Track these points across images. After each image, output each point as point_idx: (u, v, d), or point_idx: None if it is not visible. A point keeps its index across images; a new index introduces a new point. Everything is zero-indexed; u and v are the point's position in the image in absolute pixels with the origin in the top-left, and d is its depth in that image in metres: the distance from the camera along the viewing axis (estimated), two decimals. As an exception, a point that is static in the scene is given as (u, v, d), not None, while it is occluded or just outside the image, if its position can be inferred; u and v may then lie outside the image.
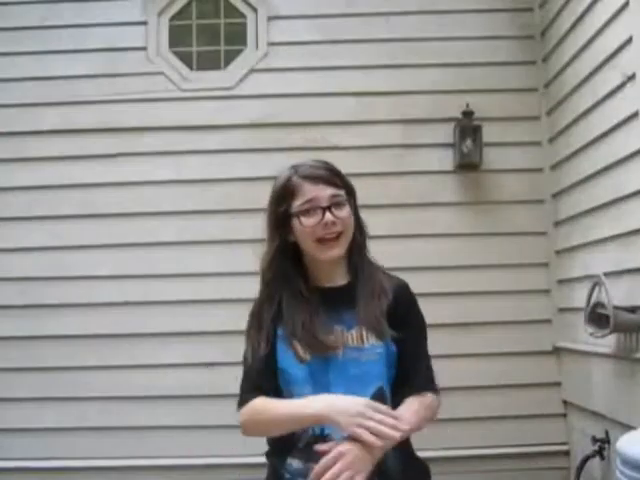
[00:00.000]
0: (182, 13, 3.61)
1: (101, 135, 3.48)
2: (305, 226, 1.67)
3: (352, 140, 3.40)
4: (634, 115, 2.48)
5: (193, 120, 3.48)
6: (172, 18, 3.60)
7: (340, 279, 1.75)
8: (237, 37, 3.59)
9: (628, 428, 2.33)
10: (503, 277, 3.38)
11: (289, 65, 3.53)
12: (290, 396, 1.67)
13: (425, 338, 1.78)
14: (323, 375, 1.64)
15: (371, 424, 1.48)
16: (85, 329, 3.38)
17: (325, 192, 1.68)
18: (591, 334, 2.68)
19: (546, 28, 3.43)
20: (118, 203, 3.45)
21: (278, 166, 3.51)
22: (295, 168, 1.76)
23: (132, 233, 3.42)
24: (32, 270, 3.42)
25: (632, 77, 2.49)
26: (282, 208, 1.72)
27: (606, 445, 2.78)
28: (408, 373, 1.71)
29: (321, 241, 1.68)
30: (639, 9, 2.44)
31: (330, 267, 1.74)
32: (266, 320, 1.72)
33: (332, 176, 1.72)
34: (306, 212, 1.68)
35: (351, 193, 1.75)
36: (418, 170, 3.45)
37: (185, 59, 3.58)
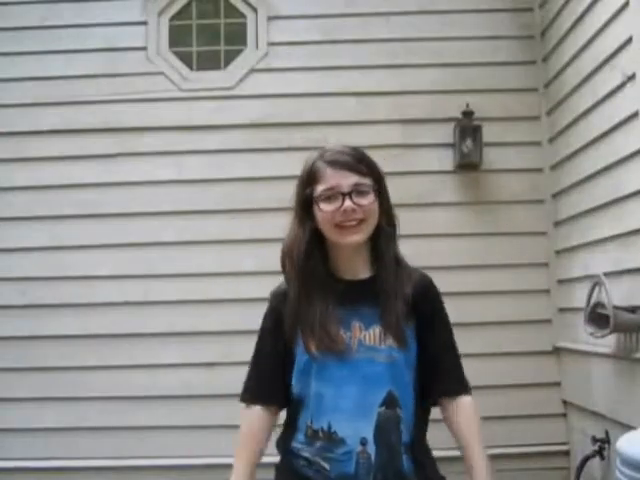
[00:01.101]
0: (182, 13, 3.61)
1: (101, 135, 3.48)
2: (324, 212, 1.63)
3: (352, 140, 3.33)
4: (634, 115, 2.48)
5: (193, 120, 3.49)
6: (172, 18, 3.60)
7: (362, 272, 1.70)
8: (237, 37, 3.60)
9: (628, 428, 2.32)
10: (503, 277, 3.38)
11: (289, 65, 3.53)
12: (301, 390, 1.65)
13: (452, 334, 1.75)
14: (337, 370, 1.61)
15: None
16: (85, 329, 3.38)
17: (347, 180, 1.64)
18: (591, 334, 2.68)
19: (546, 28, 3.43)
20: (118, 203, 3.45)
21: (278, 166, 3.53)
22: (322, 152, 1.70)
23: (132, 233, 3.42)
24: (32, 270, 3.42)
25: (632, 77, 2.49)
26: (307, 191, 1.67)
27: (606, 445, 2.78)
28: (438, 373, 1.68)
29: (340, 227, 1.63)
30: (639, 9, 2.44)
31: (352, 256, 1.69)
32: (286, 314, 1.68)
33: (357, 163, 1.66)
34: (327, 199, 1.63)
35: (379, 181, 1.69)
36: (418, 170, 3.45)
37: (185, 59, 3.58)
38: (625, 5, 2.53)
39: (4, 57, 3.53)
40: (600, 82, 2.79)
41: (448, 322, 1.75)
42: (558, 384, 3.36)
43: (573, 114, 3.10)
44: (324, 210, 1.63)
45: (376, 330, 1.63)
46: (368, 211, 1.64)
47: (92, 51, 3.54)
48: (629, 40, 2.50)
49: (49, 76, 3.51)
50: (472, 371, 3.36)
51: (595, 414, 2.92)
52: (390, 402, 1.60)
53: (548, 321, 3.40)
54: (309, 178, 1.67)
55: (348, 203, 1.62)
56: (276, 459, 1.76)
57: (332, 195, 1.63)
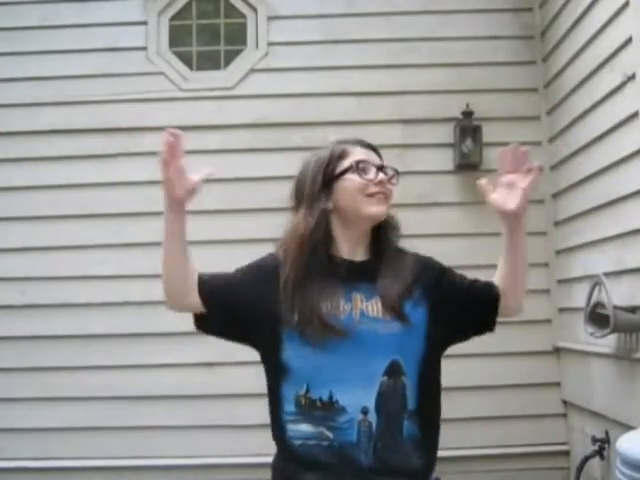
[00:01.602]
0: (182, 13, 3.61)
1: (101, 135, 3.48)
2: (358, 181, 1.66)
3: (352, 140, 3.39)
4: (634, 115, 2.48)
5: (193, 120, 3.48)
6: (172, 18, 3.60)
7: (363, 255, 1.71)
8: (237, 37, 3.60)
9: (628, 428, 2.33)
10: (503, 277, 3.38)
11: (289, 65, 3.54)
12: (291, 360, 1.62)
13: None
14: (338, 341, 1.59)
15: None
16: (85, 329, 3.39)
17: (376, 159, 1.72)
18: (591, 334, 2.68)
19: (546, 28, 3.43)
20: (118, 203, 3.45)
21: (278, 166, 3.52)
22: (338, 140, 1.76)
23: (132, 233, 3.42)
24: (32, 270, 3.42)
25: (632, 77, 2.49)
26: (329, 169, 1.69)
27: (606, 445, 2.78)
28: (479, 301, 1.71)
29: (370, 197, 1.66)
30: (639, 9, 2.44)
31: (358, 239, 1.70)
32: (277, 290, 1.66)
33: (379, 153, 1.75)
34: (361, 170, 1.67)
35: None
36: (418, 170, 3.45)
37: (185, 59, 3.58)
38: (625, 5, 2.53)
39: (4, 57, 3.53)
40: (600, 82, 2.79)
41: (457, 273, 1.77)
42: (558, 384, 3.36)
43: (573, 114, 3.10)
44: (357, 180, 1.66)
45: (378, 302, 1.63)
46: (391, 192, 1.70)
47: (92, 51, 3.54)
48: (629, 40, 2.50)
49: (49, 76, 3.51)
50: (472, 371, 3.39)
51: (595, 414, 2.92)
52: (393, 371, 1.60)
53: (548, 321, 3.40)
54: (332, 158, 1.70)
55: (382, 175, 1.68)
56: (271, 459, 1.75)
57: (366, 167, 1.67)
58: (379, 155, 1.74)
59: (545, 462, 3.30)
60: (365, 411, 1.57)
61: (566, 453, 3.32)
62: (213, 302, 1.71)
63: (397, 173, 1.72)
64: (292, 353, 1.62)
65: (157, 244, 3.33)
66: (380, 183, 1.67)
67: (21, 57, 3.53)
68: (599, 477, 2.87)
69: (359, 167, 1.67)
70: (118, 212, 3.44)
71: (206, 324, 1.73)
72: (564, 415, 3.34)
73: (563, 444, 3.32)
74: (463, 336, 1.74)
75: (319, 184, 1.69)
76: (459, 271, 1.81)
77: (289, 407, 1.63)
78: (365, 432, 1.57)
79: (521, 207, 1.58)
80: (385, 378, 1.59)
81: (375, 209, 1.67)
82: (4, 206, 3.46)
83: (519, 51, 3.54)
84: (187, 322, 3.66)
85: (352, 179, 1.67)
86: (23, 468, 3.27)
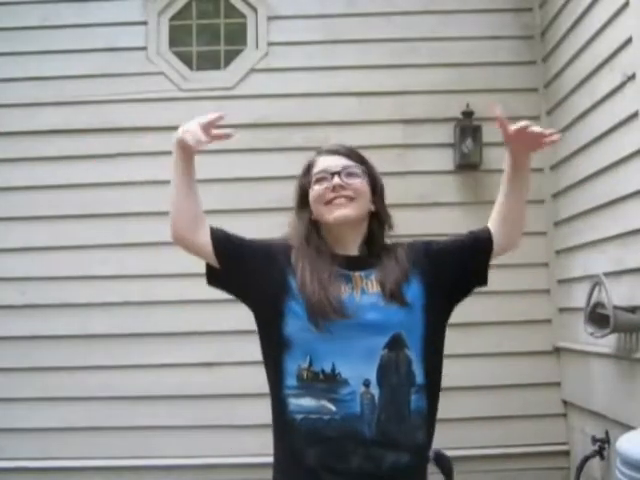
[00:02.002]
0: (182, 13, 3.61)
1: (101, 135, 3.48)
2: (315, 191, 1.73)
3: (352, 140, 3.33)
4: (634, 115, 2.48)
5: (193, 120, 3.48)
6: (172, 18, 3.60)
7: (355, 252, 1.76)
8: (237, 37, 3.60)
9: (628, 428, 2.33)
10: (503, 277, 3.37)
11: (289, 65, 3.53)
12: (293, 333, 1.65)
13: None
14: (340, 317, 1.63)
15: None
16: (85, 329, 3.38)
17: (339, 162, 1.75)
18: (591, 334, 2.68)
19: (546, 28, 3.43)
20: (118, 203, 3.45)
21: (278, 166, 3.53)
22: (318, 150, 1.83)
23: (132, 233, 3.42)
24: (32, 270, 3.42)
25: (632, 77, 2.49)
26: (304, 181, 1.79)
27: (606, 445, 2.79)
28: (477, 242, 1.78)
29: (330, 204, 1.71)
30: (639, 9, 2.44)
31: (346, 240, 1.75)
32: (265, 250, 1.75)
33: (349, 152, 1.79)
34: (318, 180, 1.74)
35: (371, 174, 1.79)
36: (418, 170, 3.45)
37: (185, 59, 3.58)
38: (625, 5, 2.53)
39: (4, 57, 3.53)
40: (600, 82, 2.79)
41: (442, 239, 1.83)
42: (558, 384, 3.36)
43: (573, 114, 3.10)
44: (315, 190, 1.73)
45: (377, 285, 1.68)
46: (357, 190, 1.72)
47: (92, 51, 3.54)
48: (629, 40, 2.50)
49: (49, 76, 3.51)
50: (472, 371, 3.39)
51: (595, 414, 2.92)
52: (395, 344, 1.63)
53: (548, 321, 3.40)
54: (305, 170, 1.79)
55: (337, 180, 1.71)
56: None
57: (323, 177, 1.73)
58: (348, 156, 1.77)
59: (545, 462, 3.30)
60: (367, 384, 1.59)
61: (566, 453, 3.32)
62: (226, 253, 1.75)
63: (363, 170, 1.76)
64: (295, 327, 1.65)
65: (157, 244, 3.34)
66: (334, 189, 1.71)
67: (21, 57, 3.53)
68: (599, 477, 2.87)
69: (315, 180, 1.74)
70: (118, 212, 3.44)
71: (215, 273, 1.76)
72: (564, 415, 3.34)
73: (563, 444, 3.32)
74: (461, 294, 1.80)
75: (298, 196, 1.79)
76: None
77: (291, 381, 1.64)
78: (368, 405, 1.59)
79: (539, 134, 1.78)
80: (386, 351, 1.62)
81: (336, 214, 1.71)
82: (4, 206, 3.46)
83: (519, 51, 3.54)
84: (187, 322, 3.68)
85: (313, 191, 1.75)
86: (23, 468, 3.27)
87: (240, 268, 1.73)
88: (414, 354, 1.64)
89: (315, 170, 1.75)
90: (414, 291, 1.67)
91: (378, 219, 1.79)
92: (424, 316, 1.67)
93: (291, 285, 1.67)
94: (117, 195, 3.45)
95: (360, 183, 1.73)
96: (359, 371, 1.60)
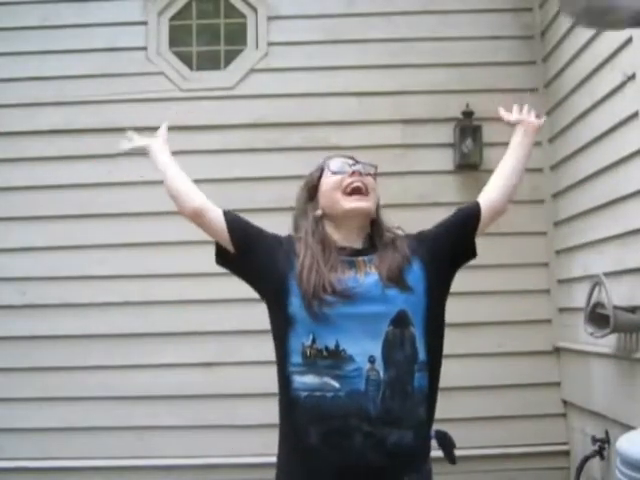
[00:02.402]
0: (182, 13, 3.61)
1: (101, 135, 3.47)
2: (332, 179, 1.78)
3: (352, 140, 3.39)
4: (634, 115, 2.48)
5: (193, 120, 3.48)
6: (172, 18, 3.60)
7: (357, 245, 1.80)
8: (237, 37, 3.60)
9: (628, 428, 2.33)
10: (503, 277, 3.38)
11: (289, 65, 3.53)
12: (297, 310, 1.68)
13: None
14: (348, 289, 1.67)
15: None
16: (85, 329, 3.38)
17: (353, 162, 1.83)
18: (591, 334, 2.68)
19: (546, 28, 3.43)
20: (118, 203, 3.45)
21: (278, 166, 3.53)
22: (329, 155, 1.89)
23: (132, 233, 3.42)
24: (32, 270, 3.42)
25: (632, 77, 2.49)
26: (314, 177, 1.83)
27: (606, 445, 2.78)
28: (470, 214, 1.87)
29: (350, 193, 1.76)
30: (639, 9, 2.44)
31: (351, 232, 1.78)
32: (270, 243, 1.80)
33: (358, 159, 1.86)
34: (335, 172, 1.79)
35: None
36: (418, 170, 3.45)
37: (185, 59, 3.58)
38: (625, 5, 2.53)
39: (4, 57, 3.53)
40: (600, 82, 2.79)
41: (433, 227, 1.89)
42: (558, 384, 3.36)
43: (573, 114, 3.10)
44: (332, 179, 1.78)
45: (380, 268, 1.71)
46: (371, 187, 1.79)
47: (92, 51, 3.54)
48: (629, 40, 2.50)
49: (49, 76, 3.51)
50: (472, 371, 3.39)
51: (595, 414, 2.92)
52: (400, 321, 1.65)
53: (548, 321, 3.40)
54: (317, 170, 1.84)
55: (357, 167, 1.79)
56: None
57: (341, 168, 1.79)
58: (359, 159, 1.84)
59: (545, 462, 3.30)
60: (372, 360, 1.61)
61: (566, 453, 3.32)
62: (241, 241, 1.80)
63: (375, 169, 1.84)
64: (298, 306, 1.67)
65: (157, 244, 3.35)
66: (354, 174, 1.77)
67: (21, 57, 3.53)
68: (599, 477, 2.87)
69: (333, 170, 1.80)
70: (118, 212, 3.44)
71: (226, 254, 1.82)
72: (564, 415, 3.34)
73: (563, 444, 3.32)
74: (453, 270, 1.83)
75: (304, 199, 1.84)
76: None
77: (295, 358, 1.66)
78: (373, 381, 1.60)
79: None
80: (391, 328, 1.64)
81: (354, 204, 1.76)
82: (4, 206, 3.46)
83: (519, 51, 3.54)
84: (186, 322, 3.68)
85: (328, 180, 1.80)
86: (23, 468, 3.27)
87: (252, 254, 1.77)
88: (418, 332, 1.66)
89: (331, 166, 1.81)
90: (415, 274, 1.71)
91: (377, 223, 1.83)
92: (426, 298, 1.70)
93: (295, 270, 1.70)
94: (117, 195, 3.45)
95: (373, 181, 1.81)
96: (364, 347, 1.61)
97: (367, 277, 1.68)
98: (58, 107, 3.49)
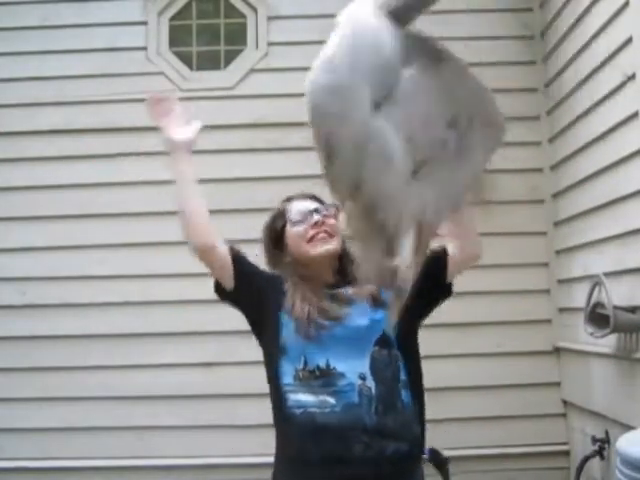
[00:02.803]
0: (182, 13, 3.61)
1: (101, 135, 3.48)
2: (296, 231, 1.84)
3: (352, 140, 3.39)
4: (634, 115, 2.48)
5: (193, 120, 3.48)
6: (172, 18, 3.60)
7: (331, 280, 1.87)
8: (237, 37, 3.60)
9: (628, 428, 2.33)
10: (503, 277, 3.38)
11: (289, 65, 3.53)
12: (288, 341, 1.75)
13: None
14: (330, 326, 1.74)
15: None
16: (85, 329, 3.38)
17: (313, 204, 1.89)
18: (591, 334, 2.68)
19: (546, 28, 3.43)
20: (118, 203, 3.45)
21: (278, 166, 3.52)
22: (288, 197, 1.97)
23: (132, 233, 3.42)
24: (32, 270, 3.42)
25: (632, 77, 2.49)
26: (277, 226, 1.90)
27: (606, 445, 2.78)
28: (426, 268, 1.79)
29: (313, 241, 1.83)
30: (639, 9, 2.44)
31: (322, 270, 1.85)
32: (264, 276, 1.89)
33: (317, 198, 1.91)
34: (296, 222, 1.85)
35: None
36: (418, 170, 3.45)
37: (185, 59, 3.58)
38: (625, 5, 2.53)
39: (4, 57, 3.53)
40: (600, 82, 2.79)
41: None
42: (558, 384, 3.36)
43: (573, 114, 3.09)
44: (295, 230, 1.84)
45: (358, 291, 1.79)
46: (334, 227, 1.85)
47: (92, 51, 3.54)
48: (629, 40, 2.50)
49: (49, 76, 3.51)
50: (472, 371, 3.38)
51: (595, 414, 2.92)
52: (384, 342, 1.73)
53: (548, 321, 3.40)
54: (277, 216, 1.92)
55: (317, 217, 1.84)
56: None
57: (301, 218, 1.85)
58: (318, 200, 1.90)
59: (545, 462, 3.30)
60: (363, 377, 1.68)
61: (566, 453, 3.32)
62: (244, 279, 1.86)
63: (337, 208, 1.84)
64: (291, 333, 1.75)
65: (157, 244, 3.35)
66: (316, 224, 1.84)
67: (21, 57, 3.53)
68: (599, 477, 2.87)
69: (294, 221, 1.86)
70: (118, 212, 3.44)
71: (226, 291, 1.89)
72: (564, 415, 3.34)
73: (563, 444, 3.32)
74: (428, 305, 1.85)
75: (272, 246, 1.91)
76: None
77: (288, 380, 1.72)
78: (366, 396, 1.66)
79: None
80: (376, 348, 1.71)
81: (319, 249, 1.83)
82: (4, 206, 3.46)
83: (519, 51, 3.53)
84: (186, 322, 3.68)
85: (291, 233, 1.87)
86: (23, 468, 3.27)
87: (251, 290, 1.85)
88: (400, 352, 1.73)
89: (291, 213, 1.87)
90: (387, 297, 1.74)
91: (345, 255, 1.88)
92: (401, 320, 1.69)
93: (287, 304, 1.78)
94: (117, 195, 3.45)
95: (334, 222, 1.86)
96: (353, 366, 1.68)
97: (348, 306, 1.76)
98: (58, 107, 3.49)
